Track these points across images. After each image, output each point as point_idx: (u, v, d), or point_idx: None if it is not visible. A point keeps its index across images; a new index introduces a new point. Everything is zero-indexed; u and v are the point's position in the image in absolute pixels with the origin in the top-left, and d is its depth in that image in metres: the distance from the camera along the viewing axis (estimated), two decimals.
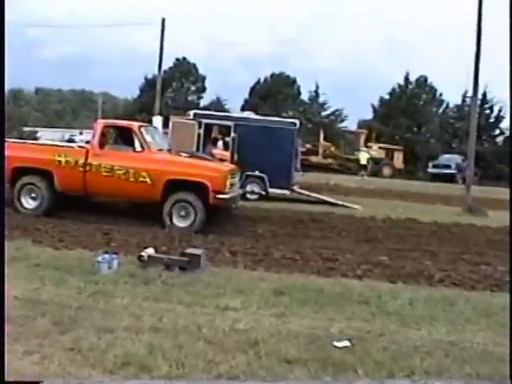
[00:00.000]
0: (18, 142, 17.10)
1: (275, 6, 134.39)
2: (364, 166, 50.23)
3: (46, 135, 54.74)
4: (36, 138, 43.94)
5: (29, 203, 15.14)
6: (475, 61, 25.82)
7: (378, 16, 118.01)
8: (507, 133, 65.29)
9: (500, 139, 66.59)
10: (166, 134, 22.97)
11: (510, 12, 6.57)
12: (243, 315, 7.48)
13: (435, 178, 51.61)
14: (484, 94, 62.24)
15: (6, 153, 15.23)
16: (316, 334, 6.93)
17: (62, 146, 16.91)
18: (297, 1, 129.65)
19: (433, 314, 8.10)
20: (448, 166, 53.33)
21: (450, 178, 49.47)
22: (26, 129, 63.45)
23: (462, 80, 66.26)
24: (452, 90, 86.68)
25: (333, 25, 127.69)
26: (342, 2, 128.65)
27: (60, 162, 14.98)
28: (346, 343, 6.60)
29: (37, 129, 66.44)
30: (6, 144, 16.02)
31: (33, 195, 15.13)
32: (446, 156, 56.53)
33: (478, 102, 40.22)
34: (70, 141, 40.29)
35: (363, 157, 50.83)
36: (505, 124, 65.93)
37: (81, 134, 48.85)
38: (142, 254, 9.83)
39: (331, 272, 10.67)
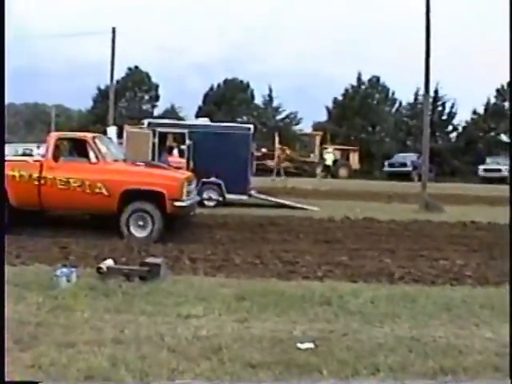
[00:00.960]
0: None
1: (223, 11, 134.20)
2: (328, 167, 50.64)
3: None
4: None
5: None
6: (425, 58, 26.11)
7: (326, 16, 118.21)
8: (460, 129, 66.24)
9: (453, 135, 67.44)
10: (120, 144, 22.83)
11: (510, 12, 6.62)
12: (205, 322, 7.45)
13: (391, 176, 52.07)
14: (436, 92, 62.88)
15: None
16: (279, 337, 6.92)
17: (16, 161, 16.71)
18: (244, 4, 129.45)
19: (395, 311, 8.15)
20: (403, 164, 53.88)
21: (406, 176, 49.91)
22: None
23: (414, 78, 67.05)
24: (404, 89, 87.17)
25: (281, 27, 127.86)
26: (289, 4, 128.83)
27: (14, 176, 14.77)
28: (310, 345, 6.61)
29: None
30: None
31: None
32: (401, 154, 57.11)
33: (430, 100, 40.68)
34: (25, 155, 39.87)
35: (329, 158, 51.22)
36: (457, 120, 66.89)
37: (38, 147, 48.39)
38: (101, 265, 9.74)
39: (292, 275, 10.71)
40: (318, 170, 50.65)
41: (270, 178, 42.11)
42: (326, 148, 54.75)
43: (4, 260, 5.60)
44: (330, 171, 51.17)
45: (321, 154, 53.75)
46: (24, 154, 43.79)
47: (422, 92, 37.42)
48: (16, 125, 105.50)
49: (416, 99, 65.94)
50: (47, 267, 10.35)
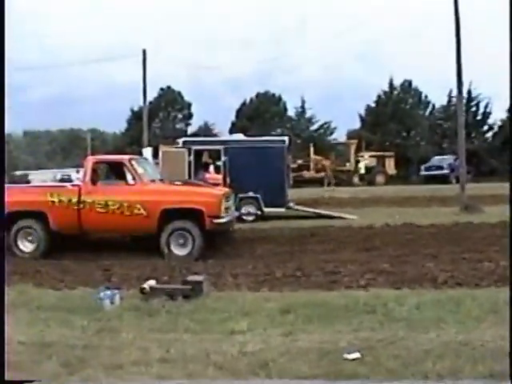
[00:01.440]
0: (8, 187, 17.09)
1: (249, 25, 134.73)
2: (363, 175, 50.61)
3: (38, 177, 54.72)
4: (28, 182, 43.90)
5: (26, 246, 15.06)
6: (457, 59, 25.93)
7: (354, 23, 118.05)
8: (496, 128, 65.46)
9: (489, 135, 66.69)
10: (156, 164, 22.97)
11: (510, 12, 6.56)
12: (251, 337, 7.44)
13: (429, 180, 51.63)
14: (469, 92, 62.32)
15: None
16: (326, 348, 6.88)
17: (55, 186, 16.90)
18: (269, 16, 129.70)
19: (440, 316, 8.07)
20: (440, 167, 53.40)
21: (443, 179, 49.41)
22: (17, 173, 63.42)
23: (446, 80, 66.60)
24: (437, 91, 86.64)
25: (309, 37, 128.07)
26: (313, 14, 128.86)
27: (53, 202, 14.94)
28: (357, 355, 6.56)
29: (27, 172, 66.43)
30: None
31: (29, 238, 15.06)
32: (438, 157, 56.58)
33: (464, 101, 40.37)
34: (63, 180, 40.26)
35: (362, 166, 51.15)
36: (492, 119, 66.16)
37: (77, 172, 48.86)
38: (144, 286, 9.78)
39: (335, 285, 10.67)
40: (356, 179, 50.52)
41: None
42: (361, 156, 54.60)
43: (4, 261, 5.61)
44: (365, 179, 51.02)
45: (356, 162, 53.59)
46: (62, 180, 44.23)
47: (455, 93, 36.95)
48: (53, 151, 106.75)
49: (449, 101, 65.34)
50: (91, 290, 10.39)
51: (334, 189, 41.85)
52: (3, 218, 5.93)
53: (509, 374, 5.49)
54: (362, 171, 50.73)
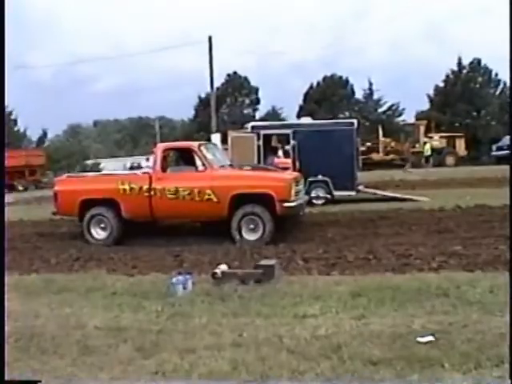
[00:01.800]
0: (80, 176, 17.47)
1: (312, 9, 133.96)
2: (428, 157, 49.91)
3: (108, 166, 55.61)
4: (99, 170, 44.60)
5: (99, 234, 15.32)
6: None
7: (419, 2, 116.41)
8: None
9: None
10: (225, 149, 23.06)
11: (510, 12, 6.42)
12: (323, 321, 7.45)
13: (501, 160, 50.52)
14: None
15: (72, 187, 15.66)
16: (398, 331, 6.86)
17: (125, 174, 17.12)
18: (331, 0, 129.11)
19: None
20: None
21: None
22: (88, 162, 64.55)
23: None
24: (508, 68, 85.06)
25: (373, 19, 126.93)
26: None
27: (125, 190, 15.14)
28: (430, 338, 6.52)
29: (98, 160, 67.53)
30: (70, 179, 16.43)
31: (102, 225, 15.31)
32: (509, 137, 55.40)
33: None
34: (133, 168, 40.75)
35: (427, 148, 50.47)
36: None
37: (147, 160, 49.44)
38: (216, 271, 9.85)
39: (406, 268, 10.58)
40: (422, 161, 49.93)
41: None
42: (430, 137, 53.87)
43: (4, 260, 5.69)
44: (430, 161, 50.32)
45: (423, 144, 52.83)
46: (132, 168, 44.76)
47: None
48: (122, 139, 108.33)
49: None
50: (163, 275, 10.53)
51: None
52: (2, 215, 6.00)
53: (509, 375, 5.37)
54: (428, 153, 49.97)
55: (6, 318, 5.64)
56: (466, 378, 5.50)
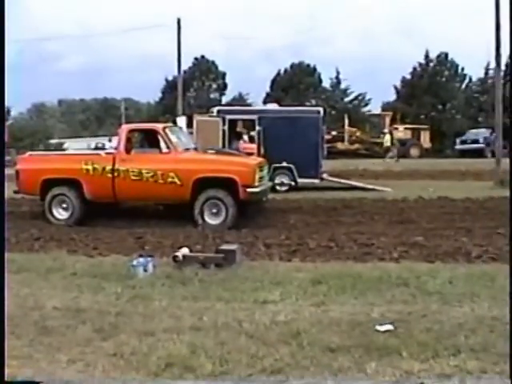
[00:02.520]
0: (43, 154, 17.30)
1: None
2: (388, 149, 50.08)
3: (73, 146, 55.20)
4: (63, 150, 44.25)
5: (60, 214, 15.19)
6: (495, 31, 25.57)
7: None
8: None
9: None
10: (190, 133, 22.97)
11: (510, 12, 6.47)
12: (283, 307, 7.47)
13: (464, 154, 51.06)
14: (507, 65, 61.48)
15: (34, 166, 15.50)
16: (357, 319, 6.90)
17: (89, 154, 16.98)
18: None
19: (474, 291, 8.03)
20: (476, 141, 52.71)
21: (478, 153, 48.79)
22: (52, 141, 64.04)
23: (484, 52, 65.72)
24: (474, 64, 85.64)
25: (345, 9, 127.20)
26: None
27: (88, 170, 15.02)
28: (389, 327, 6.55)
29: (62, 140, 67.07)
30: (32, 157, 16.28)
31: (64, 206, 15.19)
32: (474, 131, 55.87)
33: (502, 73, 39.78)
34: (97, 149, 40.48)
35: (386, 140, 50.67)
36: None
37: (110, 141, 49.11)
38: (177, 254, 9.83)
39: (367, 257, 10.65)
40: (391, 153, 50.17)
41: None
42: (396, 128, 54.10)
43: (4, 259, 5.64)
44: (391, 152, 50.58)
45: (383, 134, 52.84)
46: (96, 148, 44.51)
47: (492, 66, 36.36)
48: (87, 120, 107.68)
49: (487, 73, 64.69)
50: (124, 257, 10.51)
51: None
52: (3, 211, 5.93)
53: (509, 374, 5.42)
54: (388, 144, 50.14)
55: (5, 319, 5.57)
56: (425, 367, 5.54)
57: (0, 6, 5.50)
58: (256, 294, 8.07)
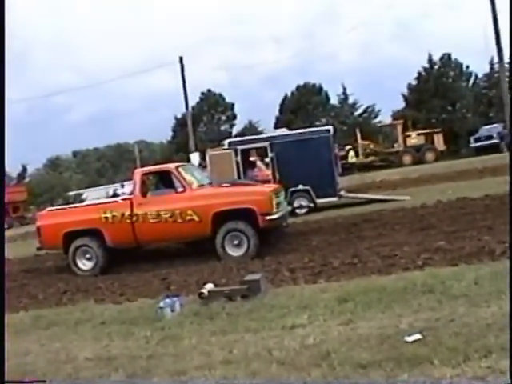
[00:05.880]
0: (62, 208, 17.45)
1: (279, 20, 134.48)
2: (353, 164, 49.75)
3: (91, 195, 55.55)
4: (82, 201, 44.51)
5: (85, 265, 15.29)
6: (494, 25, 25.61)
7: (384, 2, 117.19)
8: None
9: None
10: (205, 167, 23.09)
11: (510, 12, 6.51)
12: (311, 330, 7.48)
13: (479, 151, 50.73)
14: (511, 57, 61.33)
15: (54, 221, 15.66)
16: (386, 333, 6.89)
17: (106, 203, 17.11)
18: (296, 8, 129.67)
19: (500, 289, 7.90)
20: (490, 137, 52.38)
21: (494, 149, 48.49)
22: (70, 193, 64.47)
23: (486, 47, 65.44)
24: (478, 60, 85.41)
25: (343, 24, 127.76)
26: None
27: (107, 218, 15.15)
28: (417, 336, 6.55)
29: (81, 191, 67.50)
30: (51, 212, 16.45)
31: (87, 256, 15.29)
32: (486, 127, 55.52)
33: (506, 66, 39.70)
34: (115, 195, 40.72)
35: (351, 154, 50.33)
36: None
37: (122, 186, 49.39)
38: (202, 290, 9.87)
39: (392, 268, 10.62)
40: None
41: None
42: (409, 135, 54.02)
43: (4, 259, 5.68)
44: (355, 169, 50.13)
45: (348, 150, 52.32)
46: (114, 195, 44.78)
47: (496, 60, 36.27)
48: (102, 167, 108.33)
49: (492, 68, 64.46)
50: (151, 301, 10.54)
51: None
52: (3, 216, 6.01)
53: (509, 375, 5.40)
54: (353, 160, 49.44)
55: (5, 318, 5.62)
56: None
57: (0, 6, 5.60)
58: (283, 320, 8.08)
